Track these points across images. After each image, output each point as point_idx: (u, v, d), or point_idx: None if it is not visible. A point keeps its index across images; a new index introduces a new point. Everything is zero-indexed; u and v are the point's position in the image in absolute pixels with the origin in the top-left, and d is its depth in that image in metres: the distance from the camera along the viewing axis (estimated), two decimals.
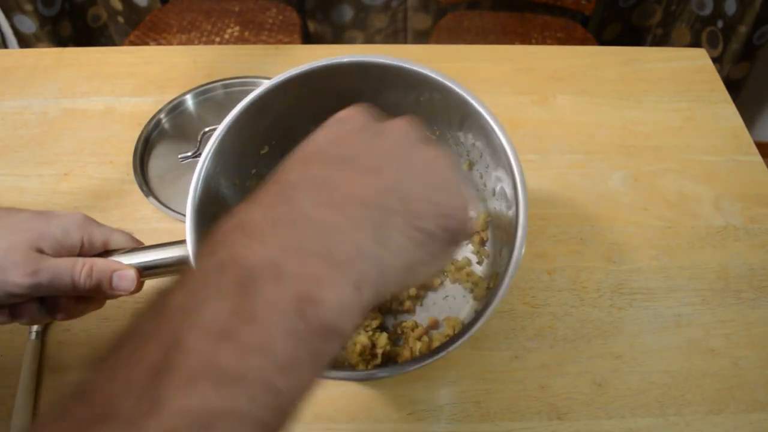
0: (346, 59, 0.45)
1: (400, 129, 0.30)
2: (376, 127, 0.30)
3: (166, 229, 0.61)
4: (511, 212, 0.45)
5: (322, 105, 0.49)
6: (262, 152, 0.51)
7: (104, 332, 0.54)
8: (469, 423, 0.49)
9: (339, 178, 0.25)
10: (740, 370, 0.53)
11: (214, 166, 0.45)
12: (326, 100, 0.48)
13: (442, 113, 0.49)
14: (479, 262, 0.54)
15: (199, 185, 0.44)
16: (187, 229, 0.43)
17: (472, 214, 0.30)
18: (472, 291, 0.53)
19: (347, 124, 0.30)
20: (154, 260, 0.42)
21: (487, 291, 0.51)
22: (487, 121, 0.43)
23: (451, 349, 0.39)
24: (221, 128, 0.45)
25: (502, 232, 0.51)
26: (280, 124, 0.49)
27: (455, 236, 0.28)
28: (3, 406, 0.49)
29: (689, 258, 0.60)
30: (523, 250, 0.40)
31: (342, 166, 0.26)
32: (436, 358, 0.39)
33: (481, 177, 0.53)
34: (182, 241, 0.43)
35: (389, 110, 0.49)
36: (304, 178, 0.26)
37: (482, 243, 0.55)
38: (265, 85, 0.45)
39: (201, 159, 0.44)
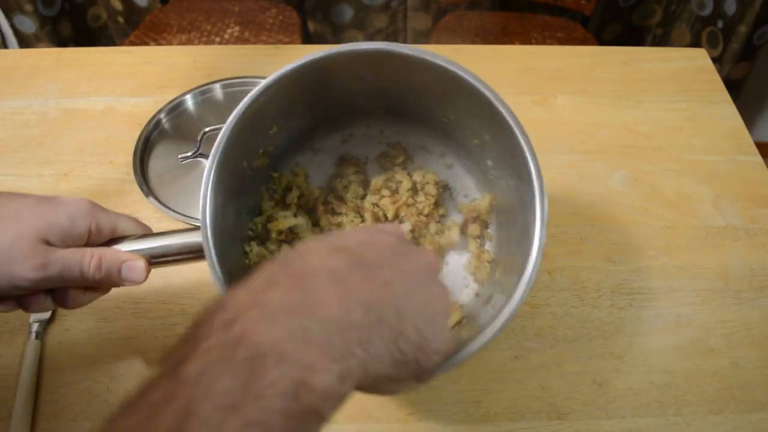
0: (365, 46, 0.44)
1: (425, 260, 0.33)
2: (406, 250, 0.33)
3: (166, 229, 0.61)
4: (523, 211, 0.45)
5: (336, 89, 0.49)
6: (271, 132, 0.50)
7: (104, 332, 0.54)
8: (469, 423, 0.49)
9: (356, 278, 0.29)
10: (740, 370, 0.53)
11: (226, 152, 0.44)
12: (339, 85, 0.48)
13: (457, 101, 0.48)
14: (481, 245, 0.54)
15: (213, 172, 0.43)
16: (201, 218, 0.42)
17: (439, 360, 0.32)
18: (474, 274, 0.53)
19: (383, 237, 0.33)
20: (163, 248, 0.42)
21: (488, 277, 0.51)
22: (513, 130, 0.43)
23: (474, 348, 0.39)
24: (237, 111, 0.44)
25: (507, 217, 0.51)
26: (292, 106, 0.49)
27: (420, 373, 0.31)
28: (3, 406, 0.49)
29: (689, 258, 0.60)
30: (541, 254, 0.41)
31: (363, 268, 0.29)
32: (455, 360, 0.39)
33: (489, 163, 0.53)
34: (193, 228, 0.42)
35: (400, 93, 0.50)
36: (325, 267, 0.29)
37: (485, 226, 0.55)
38: (283, 69, 0.44)
39: (215, 147, 0.43)
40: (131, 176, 0.65)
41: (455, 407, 0.50)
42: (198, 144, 0.67)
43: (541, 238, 0.41)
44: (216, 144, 0.44)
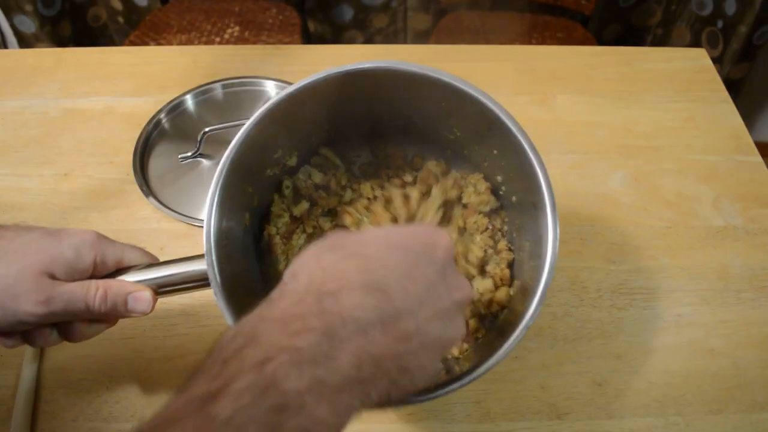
0: (368, 65, 0.43)
1: (457, 298, 0.33)
2: (444, 285, 0.32)
3: (166, 229, 0.62)
4: (534, 219, 0.45)
5: (339, 109, 0.49)
6: (275, 156, 0.51)
7: (104, 332, 0.54)
8: (469, 423, 0.49)
9: (376, 332, 0.29)
10: (740, 370, 0.53)
11: (230, 175, 0.44)
12: (344, 102, 0.48)
13: (462, 118, 0.48)
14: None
15: (216, 196, 0.43)
16: (205, 247, 0.41)
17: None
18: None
19: (427, 267, 0.32)
20: (169, 277, 0.41)
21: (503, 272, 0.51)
22: (520, 144, 0.44)
23: (489, 365, 0.39)
24: (239, 137, 0.44)
25: (519, 232, 0.51)
26: (296, 130, 0.49)
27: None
28: (3, 406, 0.49)
29: (689, 258, 0.60)
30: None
31: (388, 318, 0.29)
32: (473, 377, 0.39)
33: (500, 178, 0.52)
34: (198, 256, 0.41)
35: (406, 110, 0.49)
36: (354, 316, 0.28)
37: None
38: (285, 91, 0.44)
39: (218, 171, 0.43)
40: (131, 176, 0.65)
41: (455, 407, 0.50)
42: (198, 144, 0.67)
43: (553, 255, 0.41)
44: (219, 168, 0.43)
